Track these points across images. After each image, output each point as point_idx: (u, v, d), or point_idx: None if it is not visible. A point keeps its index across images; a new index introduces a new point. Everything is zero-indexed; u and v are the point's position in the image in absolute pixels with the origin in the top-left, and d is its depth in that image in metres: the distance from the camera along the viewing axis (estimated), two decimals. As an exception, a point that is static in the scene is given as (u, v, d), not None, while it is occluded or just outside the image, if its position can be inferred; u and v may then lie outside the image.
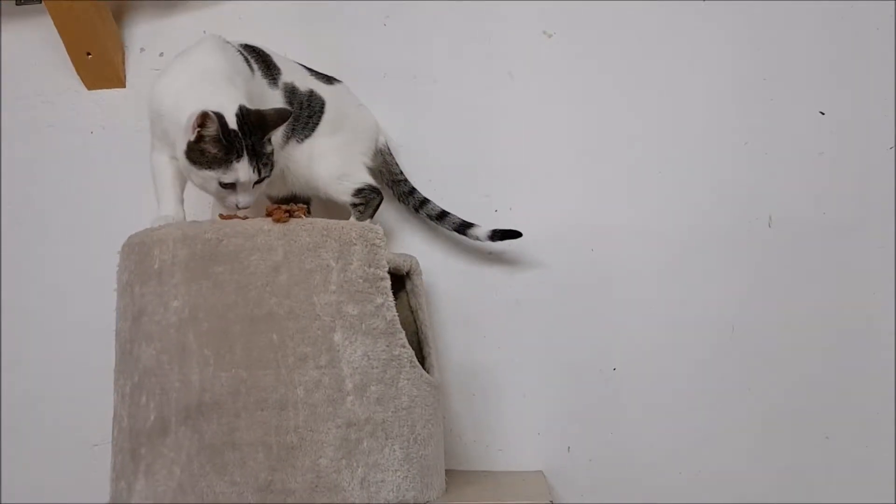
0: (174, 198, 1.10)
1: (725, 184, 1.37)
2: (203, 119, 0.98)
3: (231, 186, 1.03)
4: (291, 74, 1.21)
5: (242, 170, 1.01)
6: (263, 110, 1.04)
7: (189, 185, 1.10)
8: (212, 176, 1.01)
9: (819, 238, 1.35)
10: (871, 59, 1.36)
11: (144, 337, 0.99)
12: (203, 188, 1.05)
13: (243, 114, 1.02)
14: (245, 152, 1.01)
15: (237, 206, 1.04)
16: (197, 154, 1.01)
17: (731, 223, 1.36)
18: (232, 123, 1.00)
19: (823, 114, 1.36)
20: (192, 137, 1.00)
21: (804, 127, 1.36)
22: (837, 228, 1.34)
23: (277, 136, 1.14)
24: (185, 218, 1.11)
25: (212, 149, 1.00)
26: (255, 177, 1.03)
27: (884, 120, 1.34)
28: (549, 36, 1.41)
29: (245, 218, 1.04)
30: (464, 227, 1.30)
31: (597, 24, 1.40)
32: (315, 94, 1.22)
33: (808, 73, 1.37)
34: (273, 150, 1.07)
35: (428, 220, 1.34)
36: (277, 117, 1.05)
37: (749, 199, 1.36)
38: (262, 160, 1.04)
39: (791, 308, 1.34)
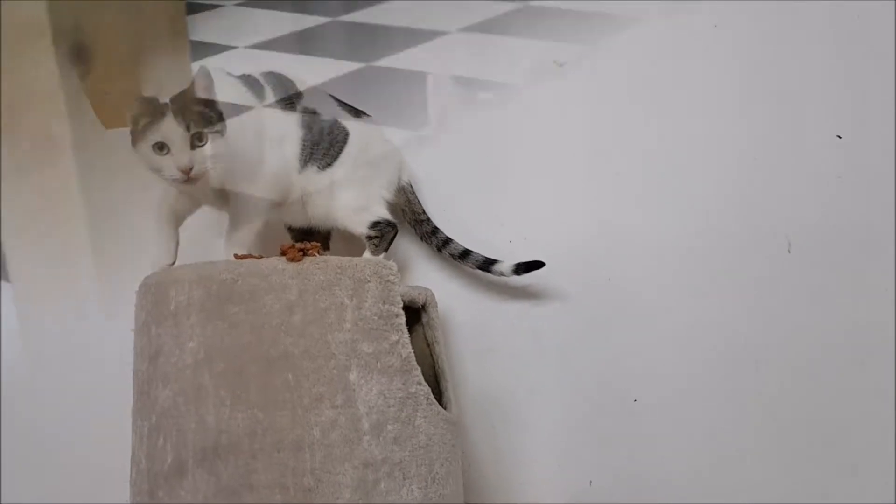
0: (165, 238, 1.14)
1: (744, 211, 1.34)
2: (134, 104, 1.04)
3: (164, 149, 1.04)
4: (315, 101, 1.23)
5: (167, 124, 1.03)
6: None
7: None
8: (146, 146, 1.04)
9: (841, 264, 1.32)
10: (891, 79, 1.34)
11: (161, 378, 1.00)
12: (149, 165, 1.06)
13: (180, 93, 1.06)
14: (169, 111, 1.03)
15: (178, 168, 1.04)
16: (136, 136, 1.05)
17: (749, 250, 1.34)
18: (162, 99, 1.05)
19: (840, 137, 1.34)
20: (131, 127, 1.05)
21: (822, 150, 1.34)
22: (860, 254, 1.31)
23: (293, 157, 1.17)
24: (175, 257, 1.14)
25: (142, 120, 1.04)
26: (184, 132, 1.04)
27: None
28: (560, 66, 1.41)
29: (260, 257, 1.04)
30: (487, 265, 1.30)
31: (607, 52, 1.40)
32: (338, 124, 1.24)
33: (826, 96, 1.35)
34: (208, 111, 1.07)
35: (451, 260, 1.33)
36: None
37: (768, 225, 1.34)
38: (192, 116, 1.04)
39: (815, 337, 1.31)
